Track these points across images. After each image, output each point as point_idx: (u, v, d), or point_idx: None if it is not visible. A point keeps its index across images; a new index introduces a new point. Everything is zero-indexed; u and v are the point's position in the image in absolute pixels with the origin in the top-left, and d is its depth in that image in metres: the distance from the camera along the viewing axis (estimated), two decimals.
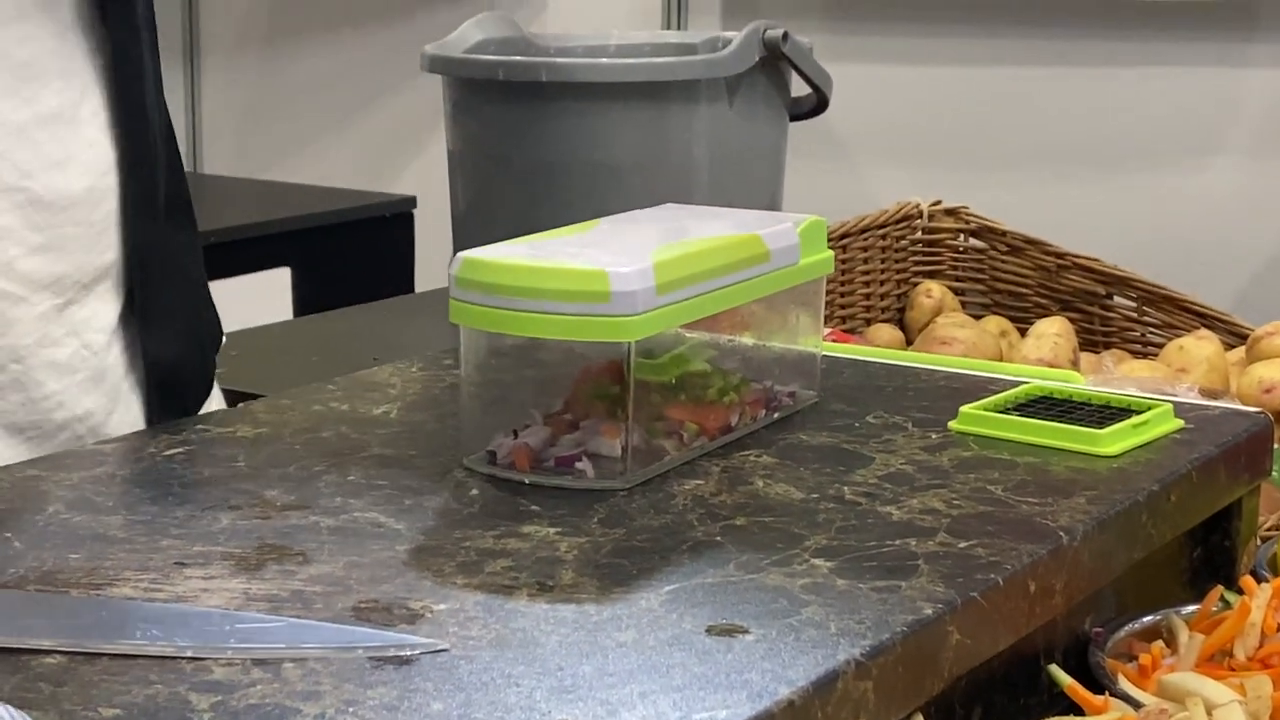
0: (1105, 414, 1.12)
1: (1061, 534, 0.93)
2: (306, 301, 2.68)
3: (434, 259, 2.80)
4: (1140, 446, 1.08)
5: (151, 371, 1.19)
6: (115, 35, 1.15)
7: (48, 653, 0.76)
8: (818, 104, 1.72)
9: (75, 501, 0.96)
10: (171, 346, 1.20)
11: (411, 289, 2.89)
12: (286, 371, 1.65)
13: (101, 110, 1.15)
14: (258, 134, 3.54)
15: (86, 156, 1.13)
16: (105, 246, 1.15)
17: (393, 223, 2.91)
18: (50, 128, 1.11)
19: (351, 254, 2.83)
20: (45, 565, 0.87)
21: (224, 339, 1.31)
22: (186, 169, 3.56)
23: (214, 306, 1.28)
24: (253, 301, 2.66)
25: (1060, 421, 1.10)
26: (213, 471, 1.02)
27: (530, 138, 1.59)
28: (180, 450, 1.05)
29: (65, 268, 1.12)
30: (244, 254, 2.71)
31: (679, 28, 2.97)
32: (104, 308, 1.16)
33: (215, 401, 1.27)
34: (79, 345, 1.14)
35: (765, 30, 1.61)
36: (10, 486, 0.99)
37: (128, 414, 1.18)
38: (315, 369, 1.54)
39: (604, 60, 1.62)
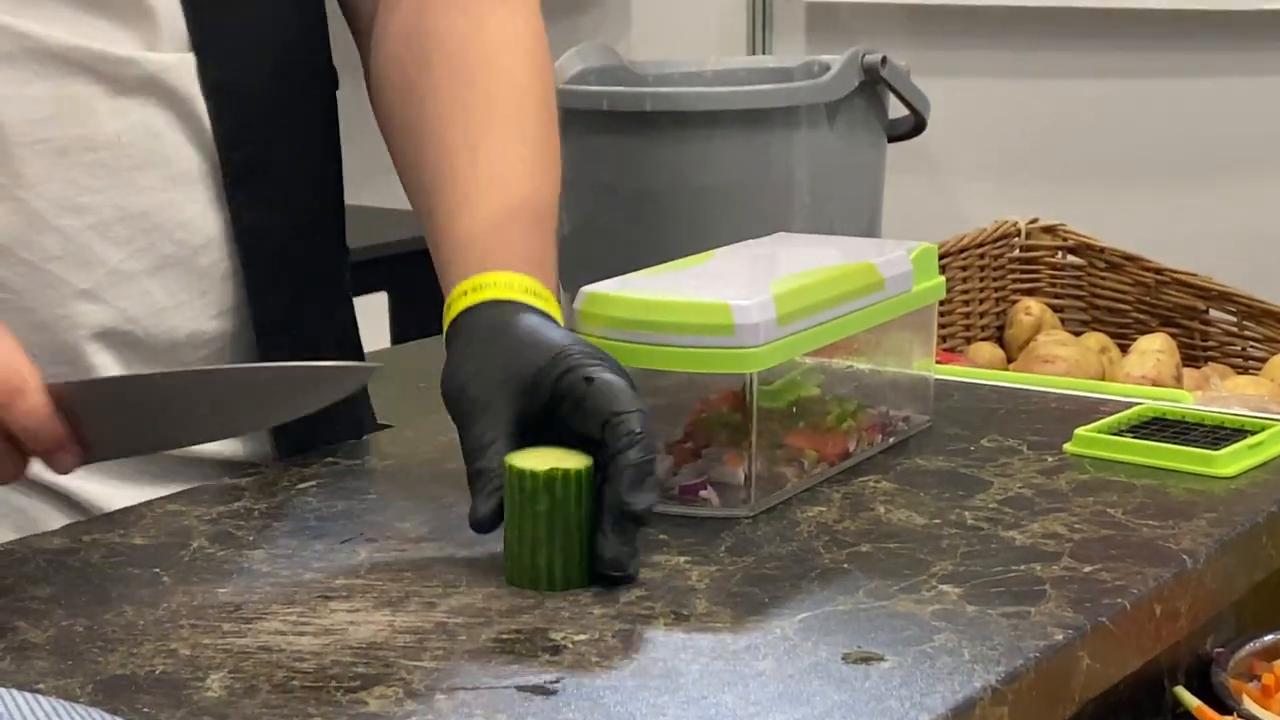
0: (1219, 435, 1.13)
1: (1185, 557, 0.94)
2: (404, 326, 2.70)
3: None
4: (1256, 467, 1.09)
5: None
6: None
7: (209, 687, 0.79)
8: (915, 125, 1.74)
9: (217, 535, 0.99)
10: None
11: None
12: (397, 399, 1.68)
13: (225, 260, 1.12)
14: (350, 158, 3.57)
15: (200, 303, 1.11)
16: None
17: None
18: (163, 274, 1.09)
19: None
20: (195, 600, 0.89)
21: None
22: None
23: None
24: None
25: (1176, 443, 1.11)
26: (346, 504, 1.04)
27: (634, 164, 1.62)
28: (312, 484, 1.08)
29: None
30: None
31: (765, 48, 2.98)
32: None
33: None
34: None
35: (864, 55, 1.63)
36: (153, 522, 1.02)
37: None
38: (424, 396, 1.56)
39: (707, 89, 1.64)
